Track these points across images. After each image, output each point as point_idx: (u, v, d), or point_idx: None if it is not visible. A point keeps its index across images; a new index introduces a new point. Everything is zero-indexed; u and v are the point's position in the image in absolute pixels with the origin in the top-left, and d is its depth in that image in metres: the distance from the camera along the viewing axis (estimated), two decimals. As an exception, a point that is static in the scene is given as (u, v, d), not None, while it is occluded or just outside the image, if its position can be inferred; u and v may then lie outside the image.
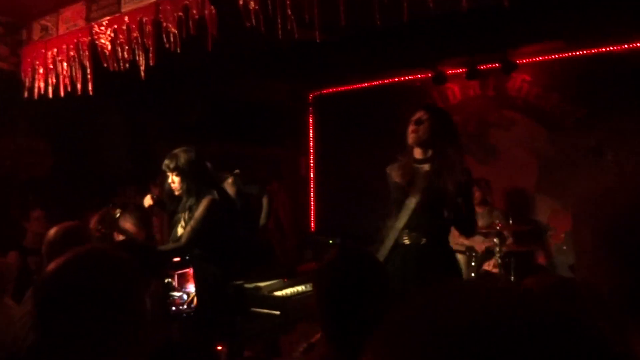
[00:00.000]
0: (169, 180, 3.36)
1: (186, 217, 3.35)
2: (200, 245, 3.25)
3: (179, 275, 1.94)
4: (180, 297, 1.86)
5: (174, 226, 3.47)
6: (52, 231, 2.21)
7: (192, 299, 1.83)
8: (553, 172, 5.54)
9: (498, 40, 5.06)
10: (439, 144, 2.84)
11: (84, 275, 1.06)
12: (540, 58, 5.64)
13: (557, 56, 5.54)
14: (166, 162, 3.32)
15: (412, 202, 2.87)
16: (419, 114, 2.90)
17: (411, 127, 2.88)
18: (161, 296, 1.84)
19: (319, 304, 1.44)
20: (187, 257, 1.98)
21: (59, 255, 2.00)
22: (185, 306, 1.86)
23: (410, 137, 2.88)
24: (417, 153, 2.91)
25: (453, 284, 0.50)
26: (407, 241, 2.88)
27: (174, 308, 1.90)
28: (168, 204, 3.61)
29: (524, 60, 5.66)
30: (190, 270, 1.94)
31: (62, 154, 5.32)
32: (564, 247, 5.43)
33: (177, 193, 3.36)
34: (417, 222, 2.86)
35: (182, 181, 3.31)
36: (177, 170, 3.28)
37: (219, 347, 3.35)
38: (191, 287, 1.97)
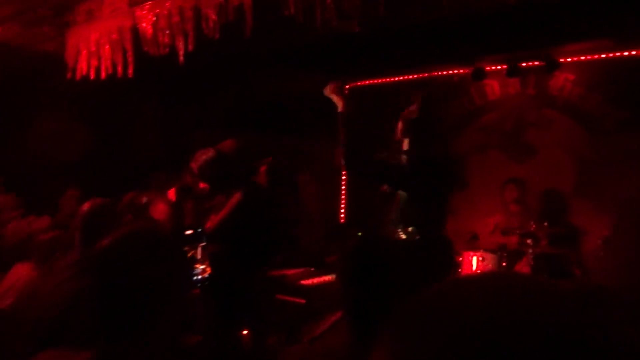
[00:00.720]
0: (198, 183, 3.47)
1: (215, 212, 3.41)
2: (227, 237, 3.29)
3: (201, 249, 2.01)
4: (203, 269, 1.92)
5: (203, 218, 3.54)
6: (85, 206, 2.26)
7: (206, 269, 1.90)
8: (593, 175, 5.38)
9: (542, 37, 4.92)
10: (426, 136, 2.89)
11: (139, 250, 1.11)
12: (586, 57, 5.47)
13: (603, 56, 5.36)
14: (191, 165, 3.42)
15: (402, 195, 2.87)
16: (407, 109, 2.98)
17: (400, 121, 2.95)
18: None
19: (341, 290, 1.45)
20: (199, 230, 2.04)
21: (92, 229, 2.07)
22: (200, 276, 1.92)
23: (399, 131, 2.93)
24: (406, 144, 2.95)
25: (476, 276, 0.49)
26: (403, 236, 2.85)
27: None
28: (197, 194, 3.68)
29: (568, 59, 5.49)
30: (204, 244, 2.00)
31: (101, 136, 5.45)
32: (600, 253, 5.27)
33: (205, 192, 3.45)
34: (410, 214, 2.85)
35: (206, 183, 3.40)
36: (200, 175, 3.39)
37: (244, 332, 3.40)
38: (206, 259, 2.04)
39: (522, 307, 0.41)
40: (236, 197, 3.28)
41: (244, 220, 3.28)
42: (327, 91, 3.02)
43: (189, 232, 1.95)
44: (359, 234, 5.89)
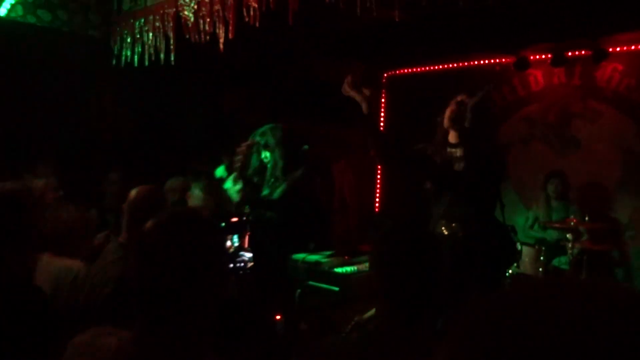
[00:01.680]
0: (262, 155, 3.61)
1: (273, 185, 3.53)
2: (277, 213, 3.41)
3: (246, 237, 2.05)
4: (250, 258, 1.96)
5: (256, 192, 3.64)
6: (135, 192, 2.32)
7: (249, 258, 1.94)
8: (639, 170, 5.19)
9: (589, 25, 4.74)
10: (475, 130, 2.66)
11: (181, 232, 1.15)
12: (636, 47, 5.25)
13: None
14: (257, 139, 3.56)
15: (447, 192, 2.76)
16: (462, 97, 2.74)
17: (452, 108, 2.73)
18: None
19: (376, 275, 1.46)
20: (245, 218, 2.07)
21: (140, 214, 2.14)
22: (242, 264, 1.97)
23: (448, 119, 2.74)
24: (452, 137, 2.76)
25: (540, 283, 0.47)
26: (445, 231, 2.76)
27: (231, 265, 2.01)
28: (249, 176, 3.75)
29: (617, 49, 5.28)
30: (249, 233, 2.04)
31: (144, 121, 5.58)
32: (644, 251, 5.10)
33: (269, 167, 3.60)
34: (454, 211, 2.72)
35: (272, 157, 3.56)
36: (268, 147, 3.57)
37: (278, 317, 3.46)
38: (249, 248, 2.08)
39: (597, 317, 0.41)
40: (297, 174, 3.47)
41: (296, 200, 3.41)
42: (345, 89, 2.67)
43: (234, 219, 2.00)
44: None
